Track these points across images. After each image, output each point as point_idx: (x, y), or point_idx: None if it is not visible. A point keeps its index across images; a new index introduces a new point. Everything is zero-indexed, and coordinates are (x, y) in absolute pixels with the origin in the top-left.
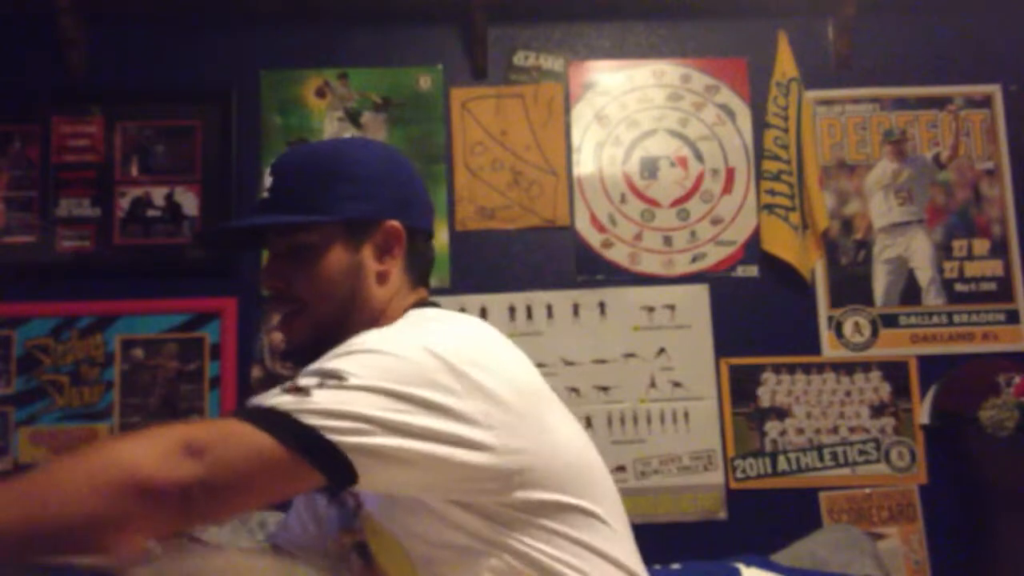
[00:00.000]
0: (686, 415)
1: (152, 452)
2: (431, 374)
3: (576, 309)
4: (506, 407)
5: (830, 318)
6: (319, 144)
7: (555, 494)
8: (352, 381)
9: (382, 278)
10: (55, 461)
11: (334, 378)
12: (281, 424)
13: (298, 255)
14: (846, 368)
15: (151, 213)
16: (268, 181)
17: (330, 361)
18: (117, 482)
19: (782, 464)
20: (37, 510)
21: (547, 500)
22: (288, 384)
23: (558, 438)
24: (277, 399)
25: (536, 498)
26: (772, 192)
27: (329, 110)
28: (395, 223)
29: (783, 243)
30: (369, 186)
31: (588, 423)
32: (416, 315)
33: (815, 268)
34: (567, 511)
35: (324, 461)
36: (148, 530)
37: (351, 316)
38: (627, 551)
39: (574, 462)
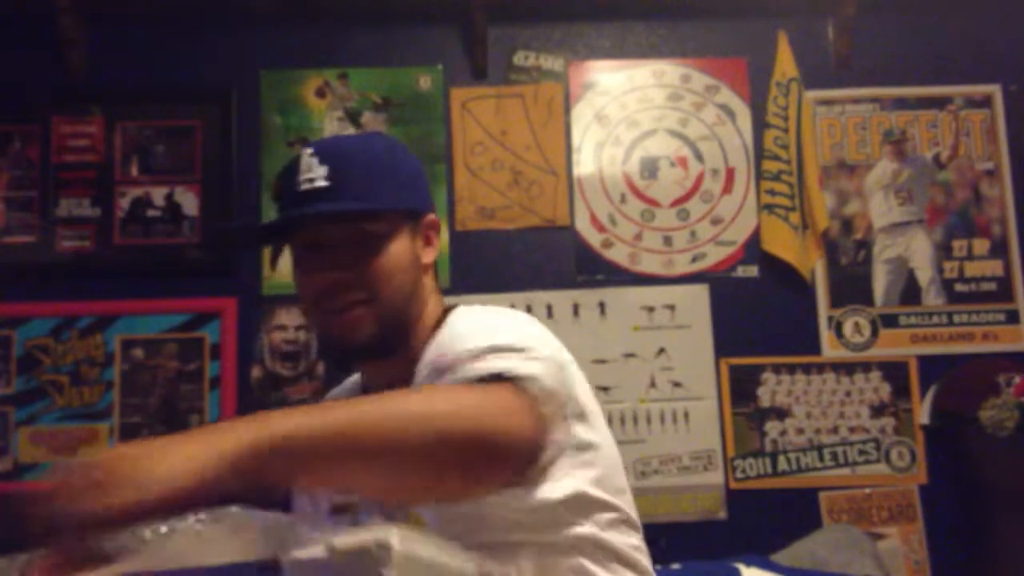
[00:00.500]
0: (686, 415)
1: (497, 412)
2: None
3: (576, 309)
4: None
5: (830, 318)
6: (365, 137)
7: (609, 491)
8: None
9: (427, 270)
10: (412, 397)
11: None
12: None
13: (363, 244)
14: (846, 368)
15: (151, 213)
16: (320, 169)
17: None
18: (473, 434)
19: (782, 464)
20: (398, 433)
21: (605, 498)
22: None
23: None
24: (522, 367)
25: (599, 492)
26: (772, 192)
27: (329, 110)
28: (434, 216)
29: (783, 243)
30: (415, 178)
31: None
32: (488, 310)
33: (815, 268)
34: (616, 509)
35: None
36: (487, 484)
37: (411, 307)
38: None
39: (617, 458)
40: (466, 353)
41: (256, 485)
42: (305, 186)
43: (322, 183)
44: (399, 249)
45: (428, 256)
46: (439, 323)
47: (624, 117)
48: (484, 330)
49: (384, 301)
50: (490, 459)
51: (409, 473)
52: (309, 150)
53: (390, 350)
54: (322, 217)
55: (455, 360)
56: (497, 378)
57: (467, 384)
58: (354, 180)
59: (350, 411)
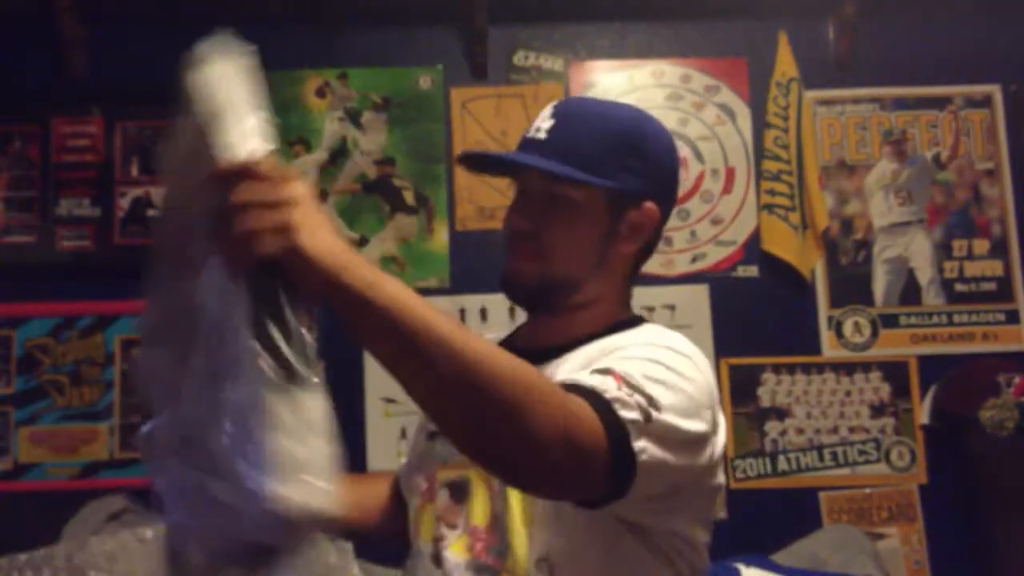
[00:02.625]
0: None
1: (591, 416)
2: (706, 409)
3: None
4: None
5: (830, 318)
6: (616, 106)
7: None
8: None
9: (623, 257)
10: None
11: (652, 404)
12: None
13: (556, 205)
14: (846, 368)
15: (151, 213)
16: (547, 122)
17: (654, 370)
18: (586, 431)
19: (782, 464)
20: (520, 392)
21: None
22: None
23: None
24: (627, 411)
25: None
26: (772, 192)
27: (329, 110)
28: (654, 205)
29: (783, 243)
30: (647, 163)
31: None
32: (674, 337)
33: (815, 268)
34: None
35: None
36: (573, 486)
37: (583, 281)
38: None
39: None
40: (614, 368)
41: (335, 307)
42: (529, 134)
43: (541, 135)
44: (585, 222)
45: (625, 246)
46: (618, 325)
47: None
48: (645, 358)
49: (553, 264)
50: (567, 457)
51: (469, 406)
52: (553, 105)
53: (539, 309)
54: (512, 166)
55: (602, 367)
56: (599, 404)
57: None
58: (568, 142)
59: (459, 329)
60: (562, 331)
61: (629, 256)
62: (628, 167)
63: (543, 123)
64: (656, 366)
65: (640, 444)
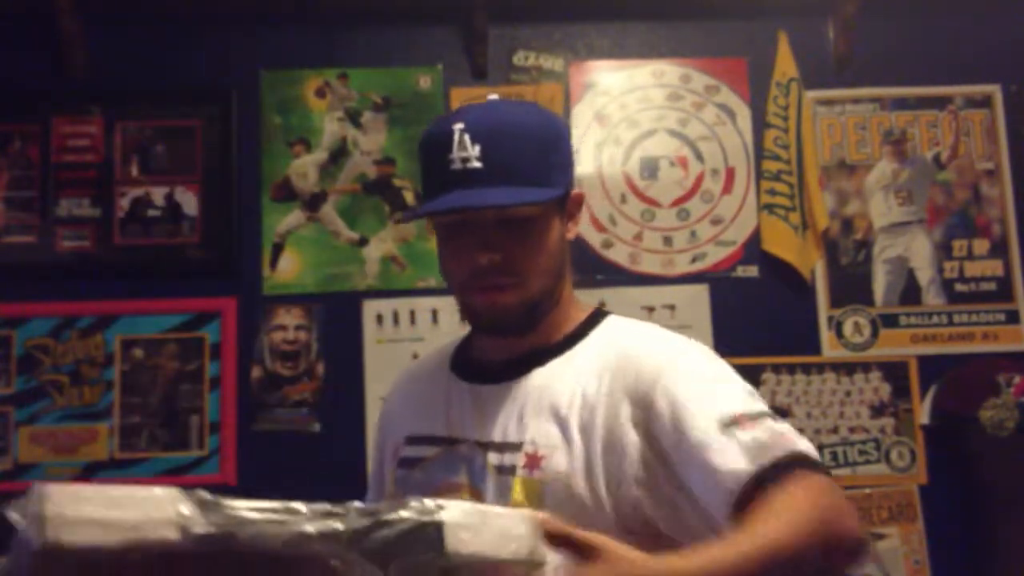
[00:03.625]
0: None
1: (844, 509)
2: None
3: None
4: None
5: (830, 318)
6: (517, 110)
7: None
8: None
9: (568, 248)
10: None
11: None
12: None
13: (514, 228)
14: (846, 368)
15: (151, 213)
16: (473, 148)
17: (743, 396)
18: (836, 543)
19: None
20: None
21: None
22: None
23: None
24: (796, 442)
25: None
26: (772, 192)
27: (329, 110)
28: (579, 191)
29: (783, 243)
30: (565, 153)
31: None
32: (666, 335)
33: (815, 268)
34: None
35: None
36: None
37: (555, 288)
38: None
39: None
40: (732, 414)
41: None
42: (456, 166)
43: (475, 164)
44: (547, 231)
45: (572, 233)
46: (588, 322)
47: (624, 117)
48: (728, 385)
49: (531, 284)
50: (851, 557)
51: None
52: (460, 125)
53: (527, 329)
54: (491, 207)
55: (725, 419)
56: (803, 462)
57: (784, 477)
58: (507, 161)
59: (735, 553)
60: (533, 335)
61: (567, 244)
62: (558, 165)
63: (469, 151)
64: (732, 377)
65: (817, 454)
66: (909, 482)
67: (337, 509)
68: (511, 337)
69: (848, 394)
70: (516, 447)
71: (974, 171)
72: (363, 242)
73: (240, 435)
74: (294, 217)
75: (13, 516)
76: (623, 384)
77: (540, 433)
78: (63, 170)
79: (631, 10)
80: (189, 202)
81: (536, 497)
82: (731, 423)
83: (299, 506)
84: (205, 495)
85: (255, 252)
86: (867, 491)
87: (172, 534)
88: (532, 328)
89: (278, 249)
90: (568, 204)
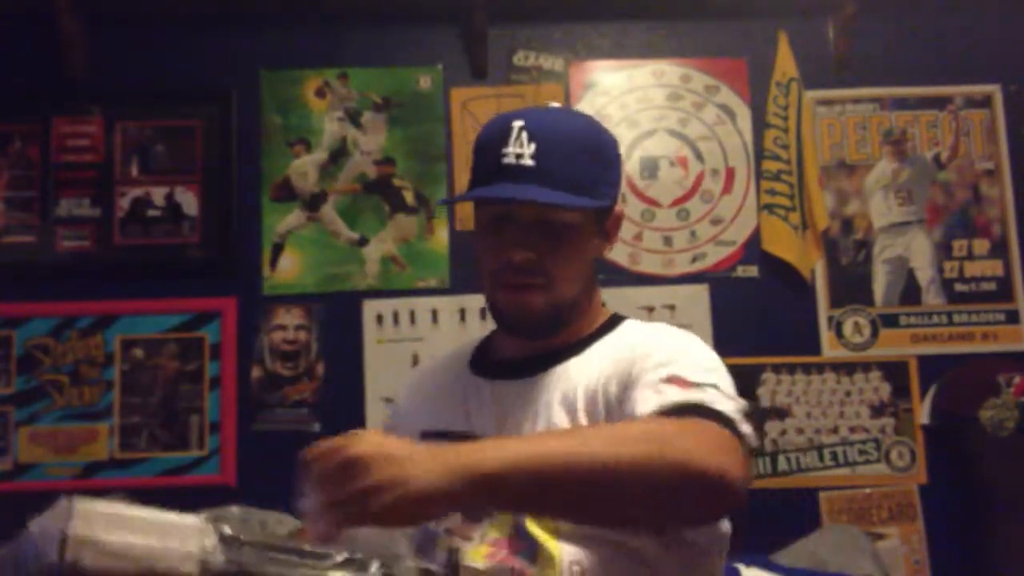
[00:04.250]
0: None
1: (715, 447)
2: None
3: None
4: None
5: (830, 318)
6: (578, 120)
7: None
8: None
9: (599, 259)
10: (628, 430)
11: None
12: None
13: (553, 231)
14: (846, 368)
15: (151, 213)
16: (529, 147)
17: (716, 374)
18: (691, 471)
19: (782, 464)
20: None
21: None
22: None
23: None
24: (724, 405)
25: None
26: (772, 192)
27: (329, 110)
28: (621, 208)
29: (783, 243)
30: (616, 170)
31: None
32: (683, 331)
33: (815, 268)
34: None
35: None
36: (696, 519)
37: (581, 298)
38: None
39: None
40: (670, 375)
41: (484, 506)
42: (509, 160)
43: (528, 162)
44: (583, 241)
45: (606, 250)
46: (606, 324)
47: (624, 117)
48: (692, 358)
49: (559, 289)
50: (705, 496)
51: (622, 505)
52: (520, 123)
53: (550, 333)
54: (533, 203)
55: (667, 376)
56: (709, 414)
57: (681, 417)
58: (559, 165)
59: (570, 443)
60: (557, 339)
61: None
62: (606, 180)
63: (524, 148)
64: (704, 362)
65: (745, 429)
66: (909, 482)
67: (358, 556)
68: (533, 339)
69: (848, 394)
70: None
71: (974, 171)
72: (363, 242)
73: (240, 435)
74: (294, 217)
75: (34, 528)
76: (619, 368)
77: (551, 424)
78: (63, 170)
79: (631, 10)
80: (189, 202)
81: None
82: (669, 381)
83: (325, 551)
84: (231, 532)
85: (255, 252)
86: (867, 491)
87: (190, 568)
88: (554, 333)
89: (278, 249)
90: (608, 221)
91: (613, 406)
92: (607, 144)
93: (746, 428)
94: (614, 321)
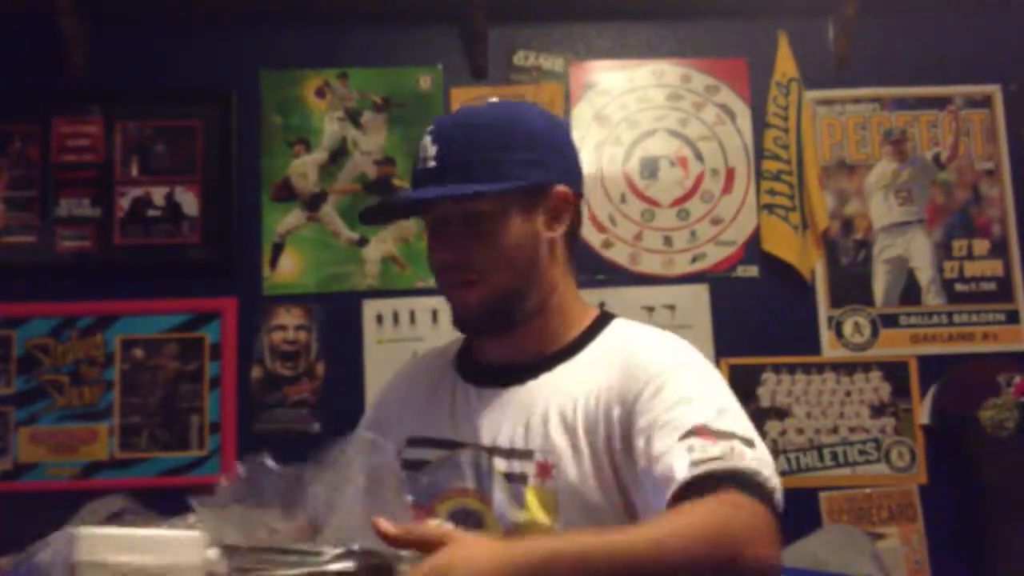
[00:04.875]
0: None
1: (757, 536)
2: None
3: None
4: None
5: (830, 318)
6: (484, 109)
7: None
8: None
9: (551, 246)
10: (669, 526)
11: (749, 443)
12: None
13: (473, 224)
14: (846, 368)
15: (151, 213)
16: (431, 149)
17: (729, 415)
18: (732, 566)
19: (782, 464)
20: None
21: None
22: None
23: None
24: (747, 464)
25: None
26: (772, 192)
27: (329, 110)
28: (565, 188)
29: (783, 243)
30: (542, 151)
31: None
32: (672, 339)
33: (815, 268)
34: None
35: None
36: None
37: (526, 287)
38: None
39: None
40: (694, 425)
41: None
42: (420, 166)
43: (432, 164)
44: (509, 228)
45: (553, 231)
46: (594, 325)
47: (624, 117)
48: (706, 394)
49: (492, 281)
50: None
51: None
52: (430, 127)
53: (499, 329)
54: (418, 204)
55: (691, 428)
56: (746, 483)
57: (719, 490)
58: (457, 158)
59: (616, 542)
60: (534, 339)
61: (557, 243)
62: (522, 161)
63: (428, 151)
64: (717, 396)
65: (774, 484)
66: (909, 482)
67: (354, 547)
68: (489, 338)
69: (848, 394)
70: (526, 455)
71: (974, 171)
72: (363, 242)
73: (240, 435)
74: (294, 217)
75: (41, 558)
76: (620, 387)
77: (549, 441)
78: (63, 170)
79: (631, 10)
80: (189, 202)
81: (551, 507)
82: (691, 434)
83: (321, 548)
84: (230, 541)
85: (255, 252)
86: (867, 491)
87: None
88: (507, 329)
89: (278, 249)
90: (545, 200)
91: (615, 431)
92: (521, 125)
93: (776, 491)
94: (602, 322)
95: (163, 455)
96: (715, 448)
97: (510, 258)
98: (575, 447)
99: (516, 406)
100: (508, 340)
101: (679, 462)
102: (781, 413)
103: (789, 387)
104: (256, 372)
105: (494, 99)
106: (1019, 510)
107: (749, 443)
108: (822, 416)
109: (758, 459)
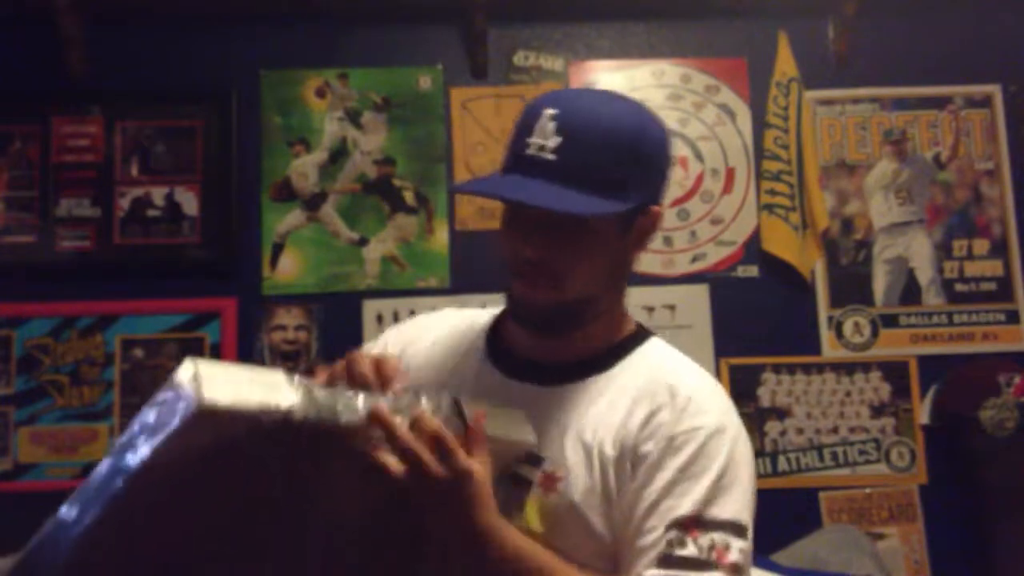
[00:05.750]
0: None
1: None
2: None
3: None
4: None
5: (830, 318)
6: (613, 107)
7: None
8: (748, 536)
9: (631, 264)
10: None
11: (742, 537)
12: None
13: (565, 230)
14: (846, 368)
15: (151, 213)
16: (552, 138)
17: (729, 498)
18: None
19: (782, 464)
20: None
21: None
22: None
23: None
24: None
25: None
26: (772, 192)
27: (329, 110)
28: (659, 209)
29: (783, 243)
30: (656, 171)
31: None
32: (716, 391)
33: (815, 268)
34: None
35: None
36: None
37: (599, 298)
38: None
39: None
40: (683, 516)
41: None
42: (531, 150)
43: (549, 155)
44: (601, 245)
45: (639, 249)
46: (630, 339)
47: None
48: (711, 468)
49: (567, 289)
50: None
51: None
52: (552, 110)
53: (559, 332)
54: (534, 207)
55: (673, 512)
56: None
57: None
58: (582, 161)
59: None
60: (574, 340)
61: (633, 261)
62: (640, 181)
63: (548, 139)
64: (725, 470)
65: None
66: (909, 482)
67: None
68: (542, 335)
69: (848, 394)
70: (536, 460)
71: (974, 171)
72: (363, 242)
73: None
74: (294, 217)
75: (170, 384)
76: (636, 433)
77: (562, 454)
78: (63, 170)
79: (631, 10)
80: (189, 202)
81: (549, 520)
82: (676, 526)
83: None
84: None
85: (255, 252)
86: (867, 491)
87: (287, 403)
88: (564, 332)
89: (278, 249)
90: (639, 219)
91: (626, 472)
92: (649, 139)
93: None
94: (639, 338)
95: None
96: (693, 547)
97: (595, 272)
98: (589, 468)
99: (538, 408)
100: (550, 340)
101: (650, 555)
102: (781, 413)
103: (789, 387)
104: None
105: (611, 90)
106: (1019, 510)
107: (739, 532)
108: (822, 416)
109: (739, 557)
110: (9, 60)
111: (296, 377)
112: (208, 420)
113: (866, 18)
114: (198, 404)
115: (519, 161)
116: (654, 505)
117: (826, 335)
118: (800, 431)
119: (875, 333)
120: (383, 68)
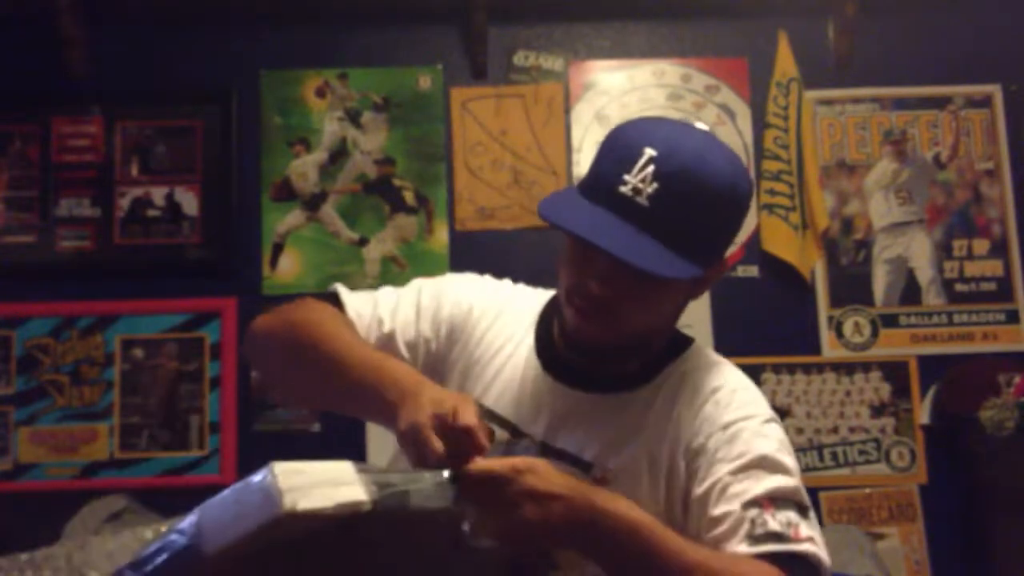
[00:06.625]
0: None
1: None
2: None
3: None
4: None
5: (830, 318)
6: (714, 164)
7: None
8: (811, 516)
9: (688, 301)
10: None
11: (807, 516)
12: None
13: (641, 279)
14: (846, 368)
15: (151, 213)
16: (651, 184)
17: (790, 479)
18: None
19: None
20: None
21: None
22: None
23: None
24: (805, 548)
25: None
26: (772, 192)
27: (329, 110)
28: (725, 261)
29: (783, 243)
30: (737, 227)
31: None
32: (756, 391)
33: (815, 268)
34: None
35: None
36: None
37: (655, 337)
38: None
39: None
40: (755, 495)
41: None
42: (625, 189)
43: (643, 201)
44: (668, 296)
45: (700, 293)
46: (672, 347)
47: (624, 117)
48: (768, 456)
49: (629, 329)
50: None
51: None
52: (653, 152)
53: (610, 360)
54: (617, 259)
55: (743, 495)
56: (793, 560)
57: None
58: (674, 218)
59: (667, 539)
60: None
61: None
62: (723, 242)
63: (645, 185)
64: (778, 457)
65: (826, 565)
66: (909, 482)
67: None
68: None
69: (848, 394)
70: (584, 466)
71: (974, 171)
72: (363, 242)
73: (240, 435)
74: (294, 217)
75: (251, 486)
76: (690, 435)
77: (610, 462)
78: (63, 170)
79: (631, 10)
80: (189, 202)
81: None
82: (752, 504)
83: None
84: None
85: (255, 252)
86: (867, 491)
87: (366, 499)
88: (613, 360)
89: (278, 249)
90: (708, 273)
91: (680, 483)
92: (739, 197)
93: (820, 558)
94: (680, 345)
95: (163, 455)
96: (774, 522)
97: (656, 316)
98: (635, 477)
99: (586, 414)
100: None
101: (738, 535)
102: (781, 413)
103: (789, 387)
104: (256, 372)
105: (703, 126)
106: (1019, 510)
107: (803, 511)
108: (822, 416)
109: (812, 532)
110: (9, 60)
111: (361, 466)
112: (288, 522)
113: (866, 18)
114: (281, 509)
115: (611, 197)
116: (723, 491)
117: (826, 335)
118: (800, 431)
119: (875, 333)
120: (383, 68)
